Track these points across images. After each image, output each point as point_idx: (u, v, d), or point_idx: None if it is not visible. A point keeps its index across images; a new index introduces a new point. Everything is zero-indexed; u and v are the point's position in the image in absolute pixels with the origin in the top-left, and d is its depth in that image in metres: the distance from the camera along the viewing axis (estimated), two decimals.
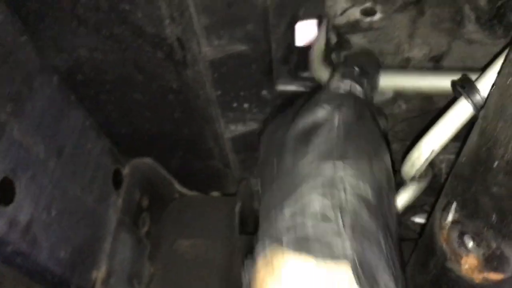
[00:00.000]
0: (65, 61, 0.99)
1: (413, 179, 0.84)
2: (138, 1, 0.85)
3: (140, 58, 0.99)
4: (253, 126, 1.19)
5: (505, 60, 0.48)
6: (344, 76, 0.79)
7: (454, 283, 0.71)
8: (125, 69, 1.02)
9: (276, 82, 1.07)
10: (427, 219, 0.78)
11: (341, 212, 0.63)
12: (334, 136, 0.70)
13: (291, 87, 1.08)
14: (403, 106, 0.93)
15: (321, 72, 0.87)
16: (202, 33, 0.95)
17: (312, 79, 1.05)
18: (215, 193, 1.39)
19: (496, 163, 0.49)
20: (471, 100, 0.60)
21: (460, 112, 0.65)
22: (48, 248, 0.94)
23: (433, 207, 0.73)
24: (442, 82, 0.75)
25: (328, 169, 0.68)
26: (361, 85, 0.78)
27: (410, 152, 0.77)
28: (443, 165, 0.97)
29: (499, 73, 0.49)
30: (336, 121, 0.72)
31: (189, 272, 1.17)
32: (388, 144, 0.79)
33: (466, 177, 0.57)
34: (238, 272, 1.17)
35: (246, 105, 1.13)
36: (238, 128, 1.20)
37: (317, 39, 0.88)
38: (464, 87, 0.60)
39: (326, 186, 0.66)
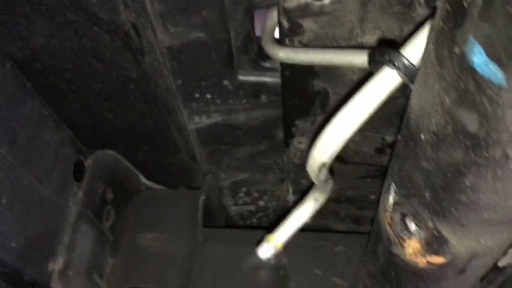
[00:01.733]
0: (20, 48, 0.98)
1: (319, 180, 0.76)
2: None
3: (98, 46, 0.98)
4: (217, 118, 1.18)
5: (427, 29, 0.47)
6: None
7: (401, 269, 0.70)
8: (83, 58, 1.01)
9: (238, 71, 1.06)
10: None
11: None
12: None
13: (253, 77, 1.07)
14: None
15: (275, 51, 0.86)
16: (157, 20, 0.93)
17: (274, 69, 1.04)
18: (182, 188, 1.37)
19: (423, 136, 0.48)
20: (395, 66, 0.57)
21: (383, 82, 0.61)
22: None
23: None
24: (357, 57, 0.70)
25: None
26: None
27: (315, 144, 0.67)
28: None
29: (427, 44, 0.47)
30: None
31: (151, 265, 1.15)
32: None
33: (401, 155, 0.56)
34: (199, 266, 1.16)
35: (208, 96, 1.11)
36: (203, 120, 1.18)
37: (267, 19, 0.87)
38: (383, 54, 0.57)
39: None
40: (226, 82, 1.08)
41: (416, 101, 0.49)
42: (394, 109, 0.94)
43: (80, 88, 1.08)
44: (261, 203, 1.51)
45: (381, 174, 1.13)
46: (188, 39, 0.97)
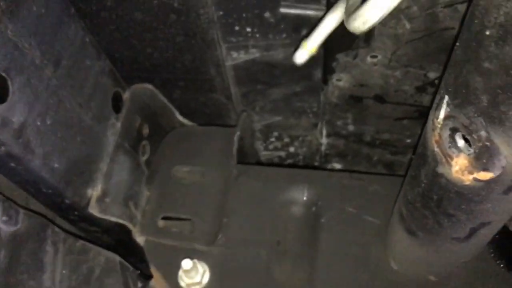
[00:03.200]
0: None
1: None
2: None
3: None
4: (255, 54, 1.17)
5: None
6: None
7: (445, 189, 0.70)
8: None
9: (280, 3, 1.04)
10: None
11: None
12: None
13: (295, 10, 1.05)
14: (407, 26, 0.90)
15: None
16: None
17: (317, 1, 1.02)
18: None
19: (488, 32, 0.47)
20: None
21: None
22: (41, 155, 0.94)
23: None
24: None
25: None
26: None
27: (363, 6, 0.68)
28: None
29: None
30: None
31: (186, 196, 1.17)
32: None
33: (459, 61, 0.55)
34: (233, 199, 1.17)
35: (248, 29, 1.10)
36: (240, 56, 1.18)
37: None
38: None
39: None
40: (267, 15, 1.06)
41: None
42: (440, 43, 0.93)
43: (121, 17, 1.08)
44: (291, 149, 1.51)
45: (420, 115, 1.12)
46: None
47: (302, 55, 0.95)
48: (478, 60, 0.50)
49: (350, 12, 0.76)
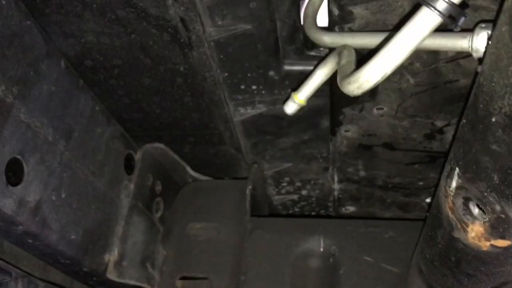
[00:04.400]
0: (73, 46, 1.00)
1: None
2: None
3: (147, 41, 1.00)
4: (262, 109, 1.19)
5: (498, 12, 0.46)
6: None
7: (462, 253, 0.69)
8: (132, 53, 1.03)
9: (283, 61, 1.06)
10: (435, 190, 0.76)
11: None
12: None
13: (299, 67, 1.07)
14: (411, 81, 0.91)
15: (320, 36, 0.86)
16: (205, 13, 0.94)
17: (319, 58, 1.04)
18: (227, 178, 1.39)
19: (494, 119, 0.47)
20: (433, 7, 0.57)
21: (423, 22, 0.60)
22: (58, 230, 0.95)
23: (439, 178, 0.71)
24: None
25: None
26: None
27: (358, 71, 0.69)
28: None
29: (494, 25, 0.47)
30: None
31: (202, 253, 1.17)
32: None
33: (467, 139, 0.55)
34: (249, 254, 1.17)
35: (254, 87, 1.12)
36: (248, 111, 1.19)
37: (307, 5, 0.87)
38: None
39: None
40: (271, 73, 1.08)
41: (486, 83, 0.48)
42: (444, 94, 0.93)
43: (129, 83, 1.11)
44: (304, 192, 1.51)
45: (430, 160, 1.12)
46: (236, 31, 0.98)
47: (292, 107, 0.97)
48: (486, 142, 0.51)
49: (345, 74, 0.77)
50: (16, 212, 0.84)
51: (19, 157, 0.85)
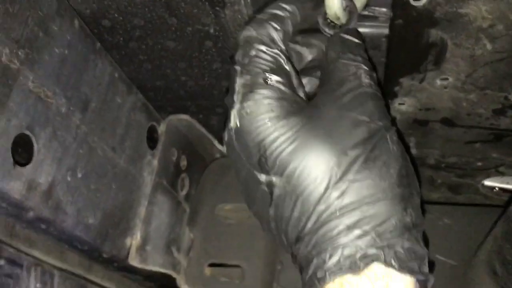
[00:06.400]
0: (88, 3, 0.88)
1: None
2: None
3: None
4: None
5: None
6: None
7: None
8: (155, 12, 0.90)
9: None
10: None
11: None
12: None
13: None
14: (488, 46, 0.76)
15: None
16: None
17: (374, 18, 0.90)
18: None
19: None
20: None
21: None
22: (74, 214, 0.84)
23: None
24: None
25: None
26: None
27: None
28: None
29: None
30: None
31: (232, 238, 1.07)
32: None
33: None
34: None
35: None
36: None
37: None
38: None
39: None
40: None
41: None
42: None
43: (152, 47, 0.98)
44: None
45: (495, 138, 0.98)
46: None
47: None
48: None
49: None
50: (26, 196, 0.74)
51: (27, 132, 0.74)
